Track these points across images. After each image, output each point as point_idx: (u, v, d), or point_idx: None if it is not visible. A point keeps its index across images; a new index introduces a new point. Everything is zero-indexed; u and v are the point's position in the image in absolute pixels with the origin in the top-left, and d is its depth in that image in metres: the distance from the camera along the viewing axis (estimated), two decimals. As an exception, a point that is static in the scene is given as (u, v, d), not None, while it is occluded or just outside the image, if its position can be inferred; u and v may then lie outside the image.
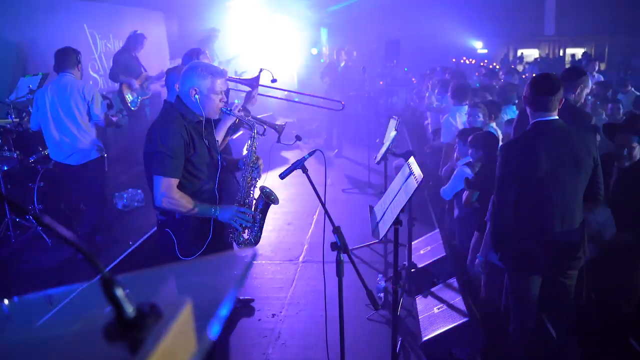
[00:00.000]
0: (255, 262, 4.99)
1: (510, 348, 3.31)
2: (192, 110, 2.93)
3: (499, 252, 3.19)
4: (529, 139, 3.02)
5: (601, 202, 3.17)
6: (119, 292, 0.71)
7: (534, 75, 3.56)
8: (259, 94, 4.46)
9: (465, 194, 4.41)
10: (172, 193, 2.83)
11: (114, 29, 8.82)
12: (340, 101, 5.25)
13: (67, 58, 4.85)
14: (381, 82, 14.47)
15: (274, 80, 4.80)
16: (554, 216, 2.95)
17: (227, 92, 4.53)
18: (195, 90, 2.87)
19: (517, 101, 6.35)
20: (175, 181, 2.85)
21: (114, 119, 5.20)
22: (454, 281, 4.17)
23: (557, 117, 3.00)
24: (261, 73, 4.53)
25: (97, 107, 4.88)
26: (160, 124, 2.92)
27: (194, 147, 2.91)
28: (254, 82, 4.45)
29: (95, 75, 8.39)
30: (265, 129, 3.66)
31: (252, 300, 4.68)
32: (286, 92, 7.24)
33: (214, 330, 0.75)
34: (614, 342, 3.62)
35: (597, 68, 10.80)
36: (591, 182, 3.01)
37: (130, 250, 5.02)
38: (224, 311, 0.79)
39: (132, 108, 7.43)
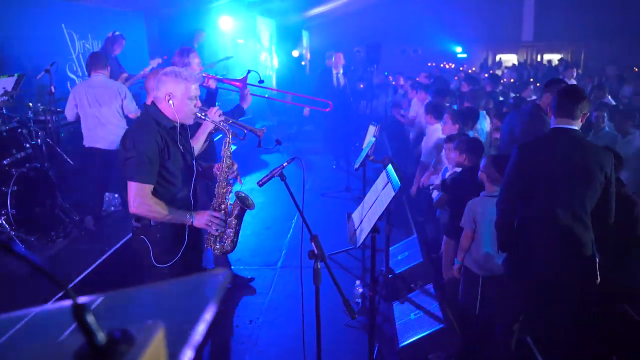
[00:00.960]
0: (229, 285, 4.97)
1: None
2: (166, 115, 2.91)
3: (505, 252, 3.25)
4: (546, 143, 3.07)
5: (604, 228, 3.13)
6: (90, 319, 0.70)
7: (560, 82, 3.73)
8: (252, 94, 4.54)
9: (438, 195, 4.46)
10: (146, 199, 2.81)
11: (93, 29, 8.72)
12: (328, 101, 5.31)
13: (99, 61, 5.69)
14: (361, 85, 14.52)
15: (261, 81, 4.84)
16: (558, 225, 2.96)
17: (215, 93, 4.54)
18: (170, 95, 2.86)
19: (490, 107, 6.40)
20: (149, 187, 2.83)
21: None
22: (430, 287, 4.21)
23: (577, 128, 3.03)
24: (249, 74, 4.58)
25: (130, 102, 5.67)
26: (134, 130, 2.91)
27: (168, 153, 2.89)
28: (242, 83, 4.48)
29: (73, 76, 8.28)
30: (245, 133, 3.65)
31: (252, 279, 5.01)
32: (273, 92, 7.26)
33: (187, 356, 0.75)
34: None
35: (574, 74, 10.96)
36: (601, 202, 3.00)
37: (106, 256, 4.96)
38: (197, 336, 0.79)
39: None
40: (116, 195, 6.30)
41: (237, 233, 3.16)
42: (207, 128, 3.45)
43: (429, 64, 19.98)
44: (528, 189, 3.02)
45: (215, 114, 3.32)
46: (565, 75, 10.77)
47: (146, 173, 2.80)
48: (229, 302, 4.73)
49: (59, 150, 6.13)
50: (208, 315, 0.84)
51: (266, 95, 7.93)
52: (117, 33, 7.55)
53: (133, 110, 5.64)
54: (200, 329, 0.81)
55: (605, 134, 6.41)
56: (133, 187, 2.80)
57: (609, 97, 8.95)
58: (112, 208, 6.32)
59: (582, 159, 2.93)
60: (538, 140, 3.18)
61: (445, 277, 4.34)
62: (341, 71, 8.55)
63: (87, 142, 5.66)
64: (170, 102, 2.86)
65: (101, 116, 5.54)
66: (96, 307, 0.80)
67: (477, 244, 3.66)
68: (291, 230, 6.43)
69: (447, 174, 4.51)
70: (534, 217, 3.04)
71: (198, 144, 3.46)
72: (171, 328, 0.77)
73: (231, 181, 3.21)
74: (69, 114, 5.66)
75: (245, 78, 4.54)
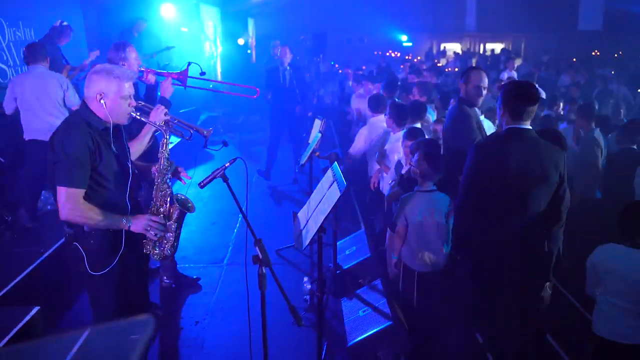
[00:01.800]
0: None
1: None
2: (97, 116, 2.75)
3: (460, 254, 3.25)
4: (500, 143, 3.02)
5: (559, 226, 3.15)
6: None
7: (515, 81, 3.54)
8: (188, 86, 4.38)
9: (390, 188, 4.44)
10: (77, 204, 2.66)
11: (24, 16, 8.21)
12: (255, 88, 5.19)
13: (38, 52, 5.46)
14: (307, 75, 14.43)
15: (202, 73, 4.69)
16: (515, 224, 2.97)
17: (156, 87, 4.36)
18: (101, 94, 2.71)
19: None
20: (80, 192, 2.67)
21: None
22: (378, 283, 4.20)
23: (530, 127, 3.01)
24: (189, 66, 4.41)
25: (72, 94, 5.49)
26: (62, 132, 2.71)
27: (100, 156, 2.74)
28: (183, 76, 4.32)
29: (3, 66, 7.79)
30: (192, 133, 3.51)
31: (198, 279, 4.91)
32: (211, 84, 7.08)
33: None
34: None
35: (515, 66, 11.21)
36: (554, 200, 3.02)
37: (41, 259, 4.70)
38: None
39: None
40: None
41: (177, 237, 3.04)
42: (149, 129, 3.29)
43: (375, 53, 20.10)
44: (484, 190, 3.00)
45: (159, 114, 3.18)
46: (507, 66, 11.00)
47: (77, 178, 2.64)
48: (174, 303, 4.59)
49: (-12, 149, 5.78)
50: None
51: (211, 87, 7.75)
52: (64, 23, 7.19)
53: (75, 103, 5.37)
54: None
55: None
56: (63, 192, 2.64)
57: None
58: (49, 207, 6.02)
59: (537, 160, 2.93)
60: (493, 141, 3.15)
61: (390, 272, 4.34)
62: (288, 67, 8.03)
63: (27, 135, 5.45)
64: (102, 101, 2.70)
65: (41, 109, 5.33)
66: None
67: (410, 239, 3.67)
68: (238, 224, 6.31)
69: (404, 170, 4.48)
70: (489, 218, 3.03)
71: (141, 145, 3.30)
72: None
73: (170, 183, 3.07)
74: (8, 107, 5.44)
75: (186, 71, 4.39)
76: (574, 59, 16.27)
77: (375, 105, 5.73)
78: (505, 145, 2.98)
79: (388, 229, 4.18)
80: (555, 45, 20.06)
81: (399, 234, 3.71)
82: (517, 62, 12.83)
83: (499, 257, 3.03)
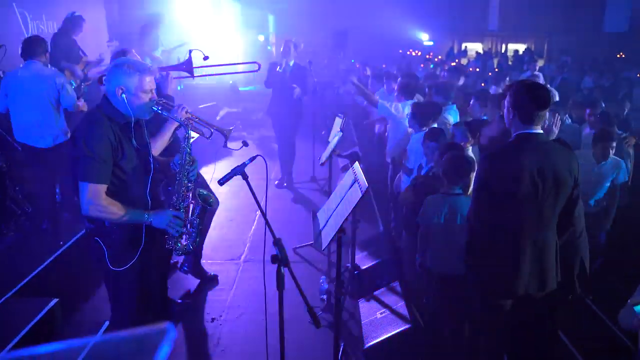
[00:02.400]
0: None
1: None
2: (119, 111, 2.74)
3: (471, 272, 3.05)
4: (512, 152, 2.83)
5: (579, 235, 3.04)
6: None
7: (525, 82, 3.14)
8: (197, 76, 4.37)
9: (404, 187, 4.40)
10: (99, 200, 2.65)
11: (46, 9, 8.29)
12: (257, 62, 5.23)
13: (36, 46, 5.05)
14: (315, 79, 14.38)
15: (206, 58, 4.68)
16: (528, 237, 2.82)
17: (163, 82, 4.35)
18: (122, 89, 2.69)
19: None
20: (103, 187, 2.67)
21: (80, 103, 5.24)
22: (396, 285, 4.15)
23: (541, 131, 2.86)
24: (192, 54, 4.38)
25: (68, 93, 5.09)
26: (85, 127, 2.71)
27: (122, 151, 2.73)
28: (186, 65, 4.30)
29: (26, 59, 7.89)
30: (212, 132, 3.50)
31: (216, 276, 4.92)
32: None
33: None
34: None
35: (537, 68, 11.02)
36: (567, 204, 2.88)
37: (60, 251, 4.73)
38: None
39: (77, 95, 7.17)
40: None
41: (199, 232, 3.03)
42: (171, 126, 3.28)
43: (400, 51, 19.96)
44: (497, 200, 2.83)
45: (181, 112, 3.17)
46: (530, 69, 10.81)
47: (99, 173, 2.63)
48: (190, 299, 4.59)
49: (9, 138, 5.82)
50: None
51: (213, 73, 7.67)
52: (76, 14, 7.22)
53: (71, 103, 5.07)
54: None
55: (566, 127, 6.44)
56: (85, 188, 2.63)
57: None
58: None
59: (551, 166, 2.79)
60: (504, 149, 2.91)
61: (408, 274, 4.29)
62: (292, 62, 7.19)
63: (18, 137, 5.11)
64: (123, 96, 2.69)
65: (32, 108, 4.94)
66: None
67: (432, 241, 3.61)
68: (255, 222, 6.30)
69: (423, 171, 4.42)
70: (503, 229, 2.87)
71: (162, 142, 3.29)
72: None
73: (192, 178, 3.06)
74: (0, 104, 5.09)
75: (189, 59, 4.34)
76: (598, 61, 16.00)
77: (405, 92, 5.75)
78: (517, 153, 2.80)
79: (403, 230, 4.13)
80: (579, 47, 19.74)
81: (422, 236, 3.66)
82: (539, 63, 12.55)
83: (514, 268, 2.87)
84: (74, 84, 7.05)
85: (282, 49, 7.42)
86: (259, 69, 5.14)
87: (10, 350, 3.29)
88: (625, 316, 2.71)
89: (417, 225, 3.74)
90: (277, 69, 7.24)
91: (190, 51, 4.36)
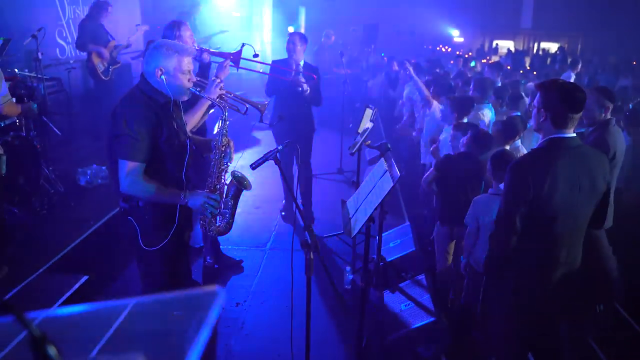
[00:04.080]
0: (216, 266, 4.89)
1: None
2: (159, 90, 2.77)
3: (497, 280, 2.94)
4: (544, 157, 2.65)
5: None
6: (52, 352, 0.58)
7: (558, 81, 2.85)
8: (240, 68, 4.35)
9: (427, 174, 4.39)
10: (138, 178, 2.68)
11: (82, -6, 8.45)
12: (313, 75, 5.09)
13: None
14: (348, 71, 14.33)
15: (255, 55, 4.67)
16: (561, 246, 2.69)
17: (208, 66, 4.39)
18: (161, 70, 2.72)
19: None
20: (142, 165, 2.70)
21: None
22: (422, 278, 4.13)
23: (574, 135, 2.67)
24: (243, 47, 4.41)
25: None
26: (126, 106, 2.74)
27: (161, 131, 2.75)
28: (236, 56, 4.32)
29: (62, 42, 8.05)
30: (247, 108, 3.50)
31: (241, 261, 4.98)
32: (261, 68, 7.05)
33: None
34: None
35: (579, 68, 10.76)
36: (599, 208, 2.76)
37: (91, 230, 4.82)
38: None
39: (105, 77, 7.43)
40: (104, 168, 6.13)
41: (233, 214, 3.05)
42: (204, 104, 3.31)
43: (425, 46, 19.77)
44: (528, 210, 2.65)
45: (215, 88, 3.19)
46: (571, 69, 10.56)
47: (139, 151, 2.66)
48: (215, 283, 4.64)
49: (44, 118, 5.94)
50: (202, 338, 0.73)
51: (260, 70, 7.73)
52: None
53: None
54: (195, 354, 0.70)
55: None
56: (125, 165, 2.67)
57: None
58: (99, 181, 6.17)
59: (585, 172, 2.63)
60: (534, 155, 2.76)
61: (439, 266, 4.27)
62: (302, 62, 5.70)
63: None
64: (162, 77, 2.71)
65: None
66: (63, 326, 0.69)
67: (481, 243, 3.53)
68: (282, 210, 6.33)
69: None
70: (534, 240, 2.72)
71: (194, 120, 3.33)
72: (156, 357, 0.66)
73: (227, 160, 3.08)
74: None
75: (239, 52, 4.39)
76: (634, 62, 15.62)
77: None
78: (550, 160, 2.62)
79: (437, 221, 4.11)
80: (615, 46, 19.28)
81: (470, 236, 3.62)
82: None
83: (544, 280, 2.75)
84: (102, 67, 7.23)
85: (286, 45, 5.76)
86: (315, 80, 4.93)
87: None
88: None
89: (451, 215, 3.73)
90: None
91: (242, 44, 4.40)
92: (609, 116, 4.13)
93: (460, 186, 4.06)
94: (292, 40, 5.64)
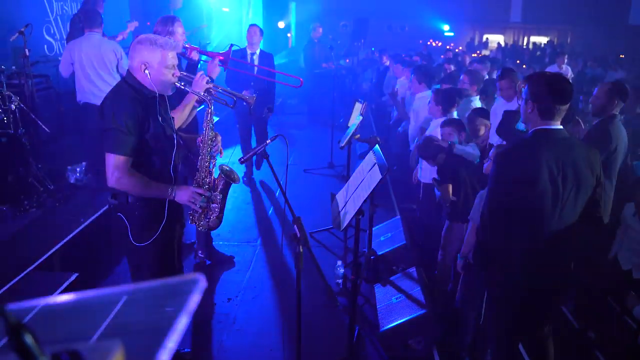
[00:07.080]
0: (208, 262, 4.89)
1: None
2: (144, 85, 2.76)
3: (484, 272, 2.92)
4: (529, 148, 2.66)
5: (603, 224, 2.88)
6: (29, 340, 0.57)
7: (546, 73, 2.81)
8: (229, 69, 4.36)
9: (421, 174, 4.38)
10: (125, 172, 2.67)
11: (71, -10, 8.38)
12: (299, 78, 5.06)
13: (95, 18, 5.71)
14: (347, 60, 14.31)
15: (243, 57, 4.67)
16: (547, 239, 2.67)
17: (196, 64, 4.37)
18: (145, 64, 2.70)
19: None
20: (128, 159, 2.68)
21: None
22: (413, 271, 4.15)
23: (561, 127, 2.68)
24: (232, 48, 4.41)
25: (125, 62, 5.56)
26: (113, 100, 2.73)
27: (148, 125, 2.74)
28: (225, 56, 4.31)
29: (50, 39, 7.97)
30: (235, 101, 3.48)
31: (232, 257, 4.95)
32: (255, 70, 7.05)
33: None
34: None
35: (565, 61, 10.83)
36: (589, 204, 2.72)
37: (81, 227, 4.80)
38: (166, 352, 0.68)
39: None
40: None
41: (222, 209, 3.03)
42: (190, 99, 3.30)
43: (420, 42, 19.80)
44: (513, 199, 2.66)
45: (201, 81, 3.17)
46: (556, 62, 10.65)
47: (126, 145, 2.65)
48: (207, 279, 4.63)
49: (33, 116, 5.89)
50: (180, 326, 0.73)
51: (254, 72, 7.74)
52: None
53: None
54: (172, 342, 0.70)
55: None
56: (111, 159, 2.65)
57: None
58: (90, 175, 6.12)
59: (571, 164, 2.61)
60: (520, 145, 2.74)
61: (440, 263, 4.23)
62: (257, 51, 6.30)
63: (81, 98, 5.72)
64: (146, 72, 2.70)
65: (96, 75, 5.58)
66: (39, 317, 0.68)
67: None
68: (272, 205, 6.32)
69: None
70: (519, 232, 2.71)
71: (182, 115, 3.31)
72: (135, 344, 0.66)
73: (214, 154, 3.07)
74: (65, 70, 5.72)
75: (228, 52, 4.39)
76: (621, 56, 15.73)
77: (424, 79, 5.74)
78: (535, 150, 2.62)
79: (447, 221, 4.09)
80: (603, 40, 19.41)
81: (473, 233, 3.57)
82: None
83: (531, 272, 2.74)
84: None
85: (247, 37, 6.35)
86: (300, 85, 4.88)
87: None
88: None
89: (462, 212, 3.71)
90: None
91: (231, 45, 4.42)
92: (617, 112, 4.17)
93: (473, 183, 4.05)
94: (252, 31, 6.32)
